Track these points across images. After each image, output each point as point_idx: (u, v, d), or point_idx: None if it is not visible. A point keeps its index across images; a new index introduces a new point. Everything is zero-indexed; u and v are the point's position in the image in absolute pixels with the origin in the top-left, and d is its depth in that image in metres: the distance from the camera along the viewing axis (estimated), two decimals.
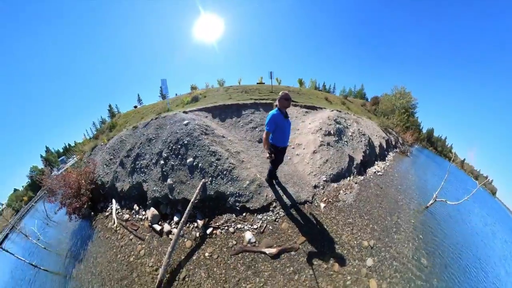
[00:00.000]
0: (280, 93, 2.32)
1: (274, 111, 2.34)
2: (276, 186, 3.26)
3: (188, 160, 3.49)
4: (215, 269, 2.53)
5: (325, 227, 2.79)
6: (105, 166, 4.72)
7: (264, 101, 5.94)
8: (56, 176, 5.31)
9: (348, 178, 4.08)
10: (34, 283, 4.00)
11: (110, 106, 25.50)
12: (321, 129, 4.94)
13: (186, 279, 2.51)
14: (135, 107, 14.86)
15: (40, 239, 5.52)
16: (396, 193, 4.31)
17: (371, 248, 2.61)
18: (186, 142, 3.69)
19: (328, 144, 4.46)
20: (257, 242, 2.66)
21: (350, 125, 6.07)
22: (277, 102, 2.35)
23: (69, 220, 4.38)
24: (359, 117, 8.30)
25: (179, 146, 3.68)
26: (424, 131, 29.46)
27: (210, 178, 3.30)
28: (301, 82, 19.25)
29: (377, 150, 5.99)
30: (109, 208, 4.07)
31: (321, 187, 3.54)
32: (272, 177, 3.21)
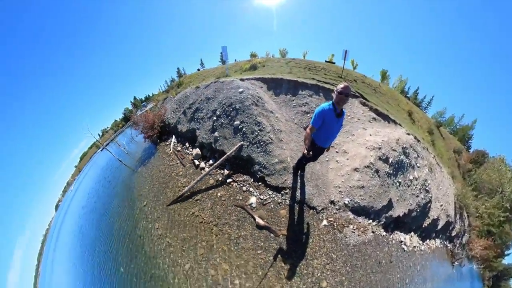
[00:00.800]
0: (339, 84, 1.76)
1: (326, 104, 1.84)
2: (298, 178, 3.23)
3: (235, 123, 3.98)
4: (218, 206, 3.31)
5: (310, 241, 2.71)
6: (172, 112, 5.86)
7: (328, 85, 4.97)
8: (139, 114, 7.93)
9: (370, 221, 3.16)
10: (118, 168, 7.46)
11: (178, 68, 32.02)
12: (380, 149, 3.77)
13: (198, 201, 3.57)
14: (198, 70, 16.01)
15: (126, 148, 8.65)
16: (396, 282, 3.06)
17: None
18: (237, 107, 4.14)
19: (377, 171, 3.45)
20: (255, 208, 3.07)
21: (418, 167, 4.38)
22: (333, 94, 1.81)
23: (144, 141, 6.43)
24: (439, 164, 5.82)
25: (231, 109, 4.22)
26: None
27: (248, 143, 3.69)
28: (384, 76, 13.84)
29: (427, 222, 4.25)
30: (169, 140, 5.37)
31: (337, 207, 3.07)
32: (299, 167, 3.13)
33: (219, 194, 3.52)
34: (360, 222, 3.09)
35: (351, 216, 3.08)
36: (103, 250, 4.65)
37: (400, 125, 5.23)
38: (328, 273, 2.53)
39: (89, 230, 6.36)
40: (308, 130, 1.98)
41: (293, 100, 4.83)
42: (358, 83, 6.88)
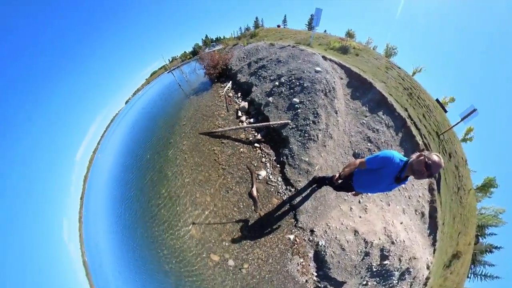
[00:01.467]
0: (434, 155, 1.13)
1: (399, 156, 1.32)
2: (309, 189, 3.06)
3: (294, 99, 3.68)
4: (234, 157, 3.70)
5: (269, 236, 3.01)
6: (237, 59, 5.90)
7: (418, 134, 3.82)
8: (207, 52, 8.30)
9: (316, 277, 2.83)
10: (175, 90, 8.52)
11: (256, 18, 28.83)
12: (393, 244, 2.92)
13: (222, 144, 4.01)
14: (278, 26, 13.85)
15: (187, 76, 9.87)
16: None
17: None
18: (305, 85, 3.73)
19: (367, 254, 2.81)
20: (259, 180, 3.33)
21: None
22: (415, 156, 1.23)
23: (203, 76, 6.89)
24: None
25: (297, 83, 3.85)
26: None
27: (294, 126, 3.49)
28: None
29: None
30: (225, 84, 5.62)
31: (310, 239, 2.97)
32: (319, 182, 2.89)
33: (241, 149, 3.78)
34: (309, 266, 2.92)
35: (310, 255, 2.98)
36: (142, 146, 6.14)
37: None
38: (255, 264, 2.92)
39: (140, 127, 8.22)
40: (358, 161, 1.59)
41: (366, 117, 3.87)
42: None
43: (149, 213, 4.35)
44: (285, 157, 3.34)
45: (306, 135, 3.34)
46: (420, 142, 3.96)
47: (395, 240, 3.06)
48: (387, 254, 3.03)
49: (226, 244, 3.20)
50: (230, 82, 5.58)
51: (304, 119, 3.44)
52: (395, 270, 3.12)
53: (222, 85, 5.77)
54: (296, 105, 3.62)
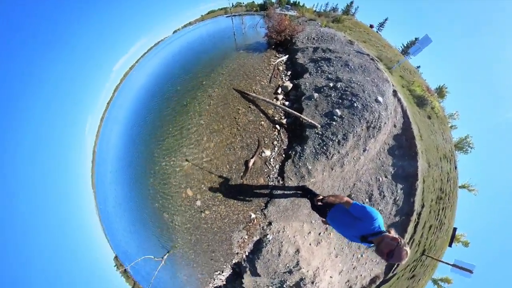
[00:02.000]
0: (403, 250, 1.10)
1: (380, 221, 1.29)
2: (293, 191, 3.24)
3: (336, 110, 3.43)
4: (252, 125, 3.86)
5: (237, 204, 3.53)
6: (305, 37, 5.24)
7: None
8: (277, 13, 7.45)
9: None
10: (228, 37, 7.87)
11: (351, 2, 23.09)
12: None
13: (248, 108, 4.08)
14: (371, 26, 12.83)
15: (245, 28, 9.00)
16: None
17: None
18: (355, 105, 3.35)
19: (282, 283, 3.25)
20: (260, 154, 3.60)
21: None
22: (389, 236, 1.19)
23: (262, 37, 6.18)
24: None
25: (350, 98, 3.48)
26: None
27: (320, 132, 3.36)
28: None
29: None
30: (281, 55, 5.21)
31: (263, 232, 3.32)
32: (304, 191, 3.00)
33: (262, 122, 3.85)
34: (247, 246, 3.47)
35: (255, 238, 3.44)
36: (176, 77, 6.18)
37: None
38: (214, 216, 3.55)
39: (180, 59, 8.06)
40: (346, 199, 1.58)
41: (385, 177, 3.57)
42: None
43: (159, 136, 4.86)
44: (294, 153, 3.37)
45: (324, 148, 3.26)
46: (405, 241, 3.79)
47: (315, 283, 3.29)
48: (302, 285, 3.29)
49: (204, 188, 3.69)
50: (286, 56, 5.14)
51: (332, 133, 3.30)
52: None
53: (277, 55, 5.32)
54: (335, 117, 3.42)
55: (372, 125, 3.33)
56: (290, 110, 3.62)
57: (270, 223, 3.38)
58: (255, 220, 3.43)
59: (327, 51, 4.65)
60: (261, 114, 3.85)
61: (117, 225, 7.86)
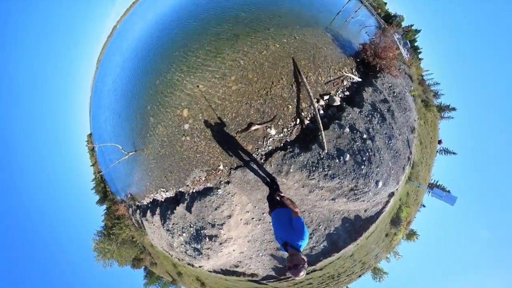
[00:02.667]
0: (299, 272, 1.41)
1: (304, 244, 1.61)
2: (265, 176, 3.47)
3: (346, 154, 3.43)
4: (280, 100, 3.74)
5: (213, 147, 3.87)
6: (389, 85, 4.82)
7: None
8: (392, 39, 6.18)
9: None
10: (329, 13, 6.27)
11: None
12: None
13: (288, 85, 3.82)
14: (440, 142, 8.56)
15: (352, 15, 7.11)
16: None
17: None
18: (360, 175, 3.44)
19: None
20: (267, 127, 3.61)
21: None
22: (299, 258, 1.47)
23: (358, 41, 5.35)
24: None
25: (362, 162, 3.51)
26: None
27: (319, 157, 3.45)
28: None
29: None
30: (357, 74, 4.71)
31: (218, 191, 3.71)
32: (273, 182, 3.30)
33: (289, 106, 3.71)
34: (197, 186, 3.95)
35: (205, 186, 3.89)
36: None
37: None
38: (190, 145, 3.83)
39: None
40: (297, 210, 1.88)
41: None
42: None
43: (188, 50, 4.46)
44: (290, 150, 3.45)
45: (313, 168, 3.38)
46: (306, 268, 4.56)
47: (222, 245, 3.98)
48: (213, 240, 3.97)
49: (199, 117, 3.70)
50: (359, 80, 4.49)
51: (328, 166, 3.38)
52: (205, 247, 4.11)
53: (353, 71, 4.68)
54: (342, 158, 3.45)
55: (355, 191, 3.50)
56: (319, 120, 3.49)
57: (228, 182, 3.63)
58: (219, 172, 3.64)
59: (390, 112, 4.21)
60: (295, 100, 3.69)
61: (104, 108, 7.75)
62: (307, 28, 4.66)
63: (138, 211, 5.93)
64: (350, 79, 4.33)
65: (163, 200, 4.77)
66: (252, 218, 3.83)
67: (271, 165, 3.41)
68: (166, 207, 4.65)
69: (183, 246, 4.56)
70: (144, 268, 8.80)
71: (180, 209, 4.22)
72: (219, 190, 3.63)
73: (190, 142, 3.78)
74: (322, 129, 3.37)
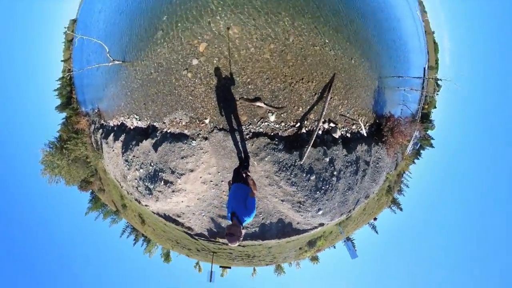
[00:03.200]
0: (232, 241, 1.60)
1: (248, 220, 1.81)
2: (241, 149, 3.55)
3: (313, 175, 3.80)
4: (293, 96, 3.62)
5: (209, 99, 3.73)
6: (390, 159, 5.01)
7: None
8: (412, 128, 5.85)
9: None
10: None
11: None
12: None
13: (312, 92, 3.65)
14: (375, 219, 10.17)
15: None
16: None
17: None
18: (314, 198, 3.89)
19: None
20: (272, 108, 3.54)
21: None
22: (238, 230, 1.65)
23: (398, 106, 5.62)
24: None
25: (321, 190, 3.91)
26: None
27: (293, 163, 3.68)
28: None
29: None
30: (366, 130, 4.62)
31: (193, 139, 3.75)
32: (246, 159, 3.43)
33: (300, 108, 3.65)
34: (179, 120, 3.77)
35: (177, 131, 3.81)
36: None
37: None
38: (186, 81, 3.56)
39: None
40: (256, 192, 2.04)
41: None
42: None
43: None
44: (276, 142, 3.59)
45: (284, 168, 3.66)
46: (241, 240, 5.31)
47: (173, 192, 4.06)
48: (167, 185, 3.98)
49: (213, 61, 3.34)
50: (365, 134, 4.39)
51: (295, 174, 3.70)
52: (157, 189, 4.10)
53: (364, 125, 4.39)
54: (309, 175, 3.74)
55: (301, 205, 3.95)
56: (314, 136, 3.57)
57: (206, 139, 3.57)
58: (203, 125, 3.50)
59: (364, 173, 4.49)
60: (308, 106, 3.67)
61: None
62: (367, 62, 4.36)
63: (101, 131, 5.38)
64: (360, 128, 4.45)
65: (132, 127, 4.40)
66: (211, 181, 3.92)
67: (252, 145, 3.48)
68: (132, 137, 4.36)
69: (136, 181, 4.47)
70: (91, 192, 8.35)
71: (147, 144, 4.01)
72: (193, 142, 3.55)
73: (190, 80, 3.42)
74: (310, 145, 3.52)
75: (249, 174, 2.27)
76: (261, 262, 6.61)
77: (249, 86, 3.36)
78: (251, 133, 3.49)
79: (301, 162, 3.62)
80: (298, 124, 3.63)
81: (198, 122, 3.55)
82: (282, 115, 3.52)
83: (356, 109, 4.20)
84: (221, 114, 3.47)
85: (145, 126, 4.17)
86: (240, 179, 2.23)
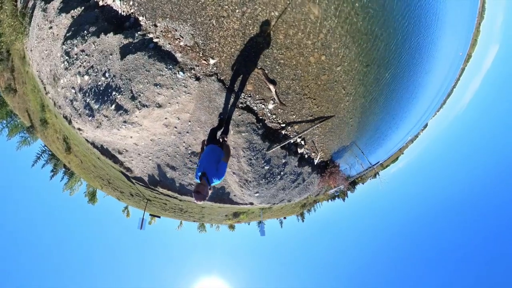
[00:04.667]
0: (197, 199, 1.71)
1: (216, 181, 1.88)
2: (226, 112, 3.40)
3: (266, 167, 4.40)
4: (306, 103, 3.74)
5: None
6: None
7: None
8: (341, 179, 7.49)
9: None
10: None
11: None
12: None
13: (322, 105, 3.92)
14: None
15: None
16: None
17: None
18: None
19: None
20: (275, 100, 3.53)
21: None
22: (205, 189, 1.75)
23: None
24: None
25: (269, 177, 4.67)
26: None
27: (259, 150, 4.09)
28: None
29: None
30: (319, 156, 5.84)
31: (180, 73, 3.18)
32: (226, 124, 3.27)
33: (294, 116, 3.84)
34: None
35: (178, 55, 3.07)
36: None
37: None
38: (211, 11, 2.95)
39: None
40: (228, 159, 2.09)
41: None
42: None
43: None
44: (258, 127, 3.68)
45: (249, 149, 3.87)
46: (205, 200, 5.50)
47: (127, 123, 3.32)
48: (128, 110, 3.17)
49: (269, 14, 2.79)
50: (316, 163, 5.30)
51: (250, 163, 4.02)
52: (103, 113, 3.23)
53: (319, 157, 5.20)
54: (260, 169, 4.28)
55: (245, 183, 4.32)
56: (288, 141, 4.01)
57: (197, 79, 3.09)
58: (203, 61, 2.95)
59: (302, 182, 5.45)
60: (300, 119, 3.91)
61: None
62: (356, 129, 5.22)
63: None
64: (315, 157, 5.33)
65: (101, 4, 3.07)
66: (175, 127, 3.45)
67: (240, 115, 3.42)
68: (94, 19, 3.03)
69: (73, 91, 3.21)
70: None
71: (112, 41, 2.91)
72: (180, 73, 2.94)
73: (229, 4, 2.69)
74: (280, 144, 3.97)
75: (226, 139, 2.35)
76: (189, 217, 6.81)
77: (277, 67, 3.19)
78: (244, 105, 3.41)
79: (266, 152, 4.01)
80: (284, 125, 3.95)
81: (201, 54, 2.94)
82: (279, 110, 3.66)
83: (323, 145, 5.20)
84: (231, 67, 3.09)
85: (125, 14, 2.99)
86: (217, 142, 2.23)
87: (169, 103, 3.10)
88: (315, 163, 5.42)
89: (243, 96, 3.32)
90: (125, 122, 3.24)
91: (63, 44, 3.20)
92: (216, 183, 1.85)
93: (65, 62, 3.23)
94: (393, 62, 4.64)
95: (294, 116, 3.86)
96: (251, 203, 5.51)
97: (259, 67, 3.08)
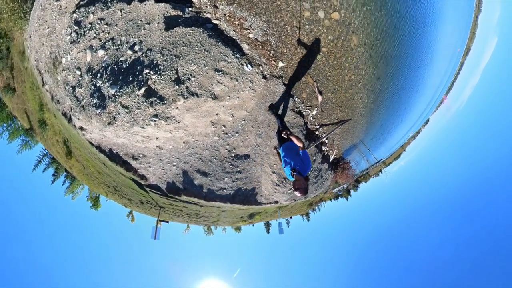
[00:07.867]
0: (299, 194, 1.82)
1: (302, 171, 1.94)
2: (279, 108, 3.41)
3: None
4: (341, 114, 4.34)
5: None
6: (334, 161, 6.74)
7: None
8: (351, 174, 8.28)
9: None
10: None
11: None
12: None
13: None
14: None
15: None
16: None
17: None
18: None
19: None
20: (319, 105, 3.77)
21: None
22: (303, 182, 1.86)
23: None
24: None
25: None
26: None
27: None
28: None
29: None
30: (334, 152, 6.13)
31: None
32: (281, 118, 3.26)
33: (330, 123, 4.42)
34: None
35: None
36: None
37: None
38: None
39: None
40: (303, 144, 2.15)
41: None
42: None
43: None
44: (300, 130, 4.00)
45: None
46: (308, 193, 4.91)
47: (160, 121, 2.62)
48: (155, 102, 2.47)
49: (333, 34, 3.08)
50: (331, 160, 5.96)
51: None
52: (123, 102, 2.39)
53: (334, 155, 6.19)
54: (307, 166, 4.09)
55: (283, 181, 4.45)
56: (319, 142, 4.56)
57: (264, 77, 2.95)
58: (271, 61, 2.89)
59: (320, 176, 6.04)
60: (329, 123, 4.52)
61: None
62: (365, 130, 6.10)
63: None
64: (331, 154, 6.03)
65: None
66: (224, 126, 2.99)
67: (294, 118, 3.58)
68: None
69: (78, 73, 2.18)
70: None
71: (152, 9, 2.08)
72: (248, 66, 2.67)
73: (302, 18, 2.81)
74: (316, 143, 4.43)
75: (289, 132, 2.42)
76: (204, 221, 6.08)
77: (325, 82, 3.60)
78: (297, 109, 3.63)
79: (306, 149, 4.34)
80: (318, 127, 4.49)
81: (271, 54, 2.93)
82: (318, 115, 4.15)
83: (339, 143, 6.13)
84: (294, 74, 3.24)
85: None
86: (285, 140, 2.31)
87: (229, 96, 2.66)
88: (330, 159, 6.03)
89: (297, 101, 3.57)
90: (156, 116, 2.44)
91: (73, 13, 2.26)
92: (308, 171, 1.96)
93: (73, 34, 2.24)
94: (398, 71, 5.70)
95: (325, 120, 4.47)
96: (276, 202, 5.43)
97: (314, 80, 3.47)
